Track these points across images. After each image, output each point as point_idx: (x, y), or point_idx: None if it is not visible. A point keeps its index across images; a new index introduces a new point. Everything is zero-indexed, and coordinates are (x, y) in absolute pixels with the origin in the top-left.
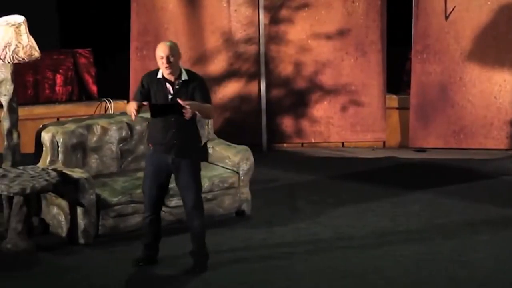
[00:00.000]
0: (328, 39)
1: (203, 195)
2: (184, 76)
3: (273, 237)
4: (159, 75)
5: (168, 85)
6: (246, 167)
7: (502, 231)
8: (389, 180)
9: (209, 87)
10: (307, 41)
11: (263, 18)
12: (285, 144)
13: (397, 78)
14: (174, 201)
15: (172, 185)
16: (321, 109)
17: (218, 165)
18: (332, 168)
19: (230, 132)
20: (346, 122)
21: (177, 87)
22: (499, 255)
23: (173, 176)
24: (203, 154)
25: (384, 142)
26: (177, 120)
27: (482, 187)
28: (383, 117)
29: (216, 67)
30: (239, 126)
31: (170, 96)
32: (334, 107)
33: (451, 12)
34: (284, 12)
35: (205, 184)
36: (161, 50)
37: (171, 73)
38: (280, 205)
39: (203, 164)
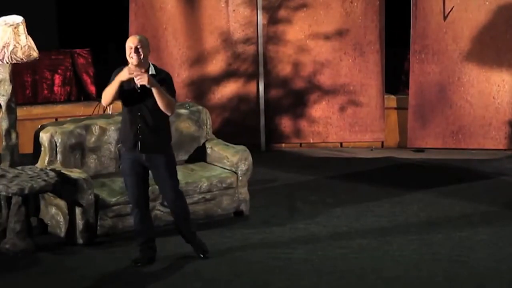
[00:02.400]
0: (326, 39)
1: (201, 196)
2: (152, 71)
3: (271, 237)
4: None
5: (136, 79)
6: (244, 167)
7: (501, 231)
8: (387, 180)
9: (207, 87)
10: (305, 41)
11: (261, 18)
12: (283, 144)
13: (395, 78)
14: None
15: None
16: (319, 109)
17: (216, 165)
18: (330, 168)
19: (229, 132)
20: (344, 122)
21: None
22: (498, 255)
23: None
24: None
25: (382, 142)
26: (143, 115)
27: (481, 187)
28: (381, 117)
29: (214, 67)
30: (238, 126)
31: (137, 90)
32: (332, 107)
33: (449, 12)
34: (282, 13)
35: (204, 184)
36: (131, 41)
37: (138, 65)
38: (279, 205)
39: (201, 164)
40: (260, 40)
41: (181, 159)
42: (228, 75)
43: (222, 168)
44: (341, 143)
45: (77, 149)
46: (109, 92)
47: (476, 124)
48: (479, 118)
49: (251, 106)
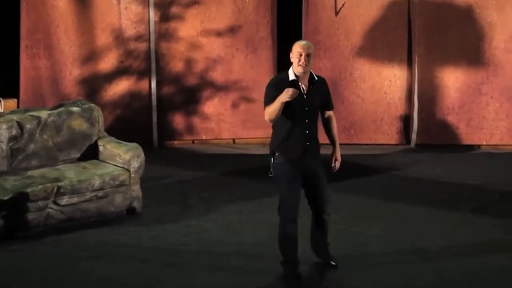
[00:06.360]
0: (218, 36)
1: (94, 193)
2: (315, 77)
3: (164, 234)
4: (292, 77)
5: (301, 85)
6: (137, 164)
7: (394, 226)
8: None
9: (99, 84)
10: (197, 38)
11: (153, 15)
12: (176, 141)
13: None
14: (65, 200)
15: (63, 183)
16: (212, 106)
17: (108, 163)
18: (223, 164)
19: (121, 130)
20: (237, 119)
21: (311, 87)
22: (391, 249)
23: None
24: None
25: None
26: (309, 122)
27: (373, 182)
28: None
29: (106, 64)
30: (130, 123)
31: (305, 97)
32: (225, 103)
33: (341, 8)
34: (174, 9)
35: (96, 182)
36: (301, 48)
37: (304, 72)
38: (172, 203)
39: (93, 162)
40: (152, 37)
41: (73, 157)
42: (120, 72)
43: (115, 165)
44: (233, 140)
45: None
46: (274, 112)
47: (368, 119)
48: (371, 113)
49: (144, 103)
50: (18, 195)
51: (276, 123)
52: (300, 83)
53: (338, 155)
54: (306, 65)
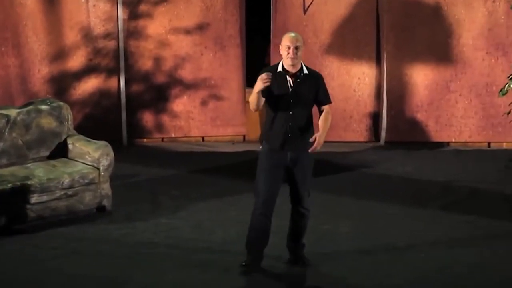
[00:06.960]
0: (187, 34)
1: (63, 192)
2: (305, 70)
3: (134, 232)
4: (279, 69)
5: (288, 78)
6: (106, 162)
7: (363, 223)
8: (249, 174)
9: (68, 82)
10: (166, 36)
11: (122, 13)
12: (145, 139)
13: (257, 72)
14: (35, 198)
15: (32, 181)
16: (181, 104)
17: (78, 161)
18: (193, 162)
19: (90, 128)
20: (206, 117)
21: (298, 80)
22: (361, 246)
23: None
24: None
25: (244, 136)
26: (294, 114)
27: (343, 180)
28: (243, 111)
29: (75, 62)
30: (99, 121)
31: (290, 89)
32: (194, 101)
33: (309, 5)
34: (143, 7)
35: (66, 180)
36: (289, 40)
37: (293, 65)
38: (141, 201)
39: (63, 160)
40: (121, 35)
41: (42, 155)
42: (89, 70)
43: (84, 163)
44: (203, 138)
45: None
46: (253, 101)
47: (337, 117)
48: (340, 111)
49: (113, 101)
50: None
51: (265, 113)
52: (287, 76)
53: (320, 137)
54: (295, 58)
